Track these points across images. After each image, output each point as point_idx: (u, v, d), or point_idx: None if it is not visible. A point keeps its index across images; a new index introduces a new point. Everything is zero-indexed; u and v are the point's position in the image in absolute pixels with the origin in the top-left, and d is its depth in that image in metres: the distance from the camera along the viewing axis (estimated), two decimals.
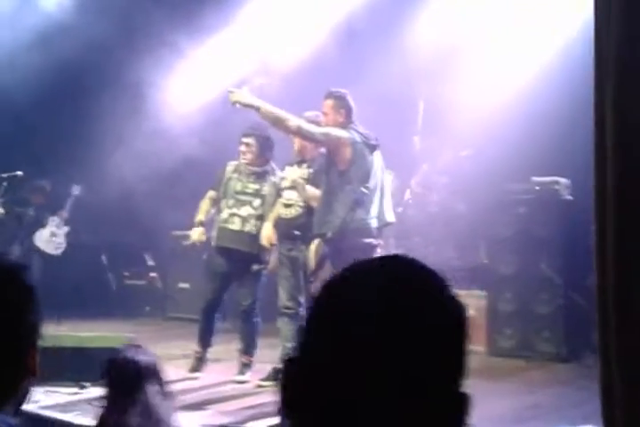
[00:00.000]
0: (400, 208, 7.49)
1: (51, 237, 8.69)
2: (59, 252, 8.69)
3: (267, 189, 5.64)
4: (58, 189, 8.77)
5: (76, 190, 8.64)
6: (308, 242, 5.09)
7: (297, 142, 5.34)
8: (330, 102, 5.00)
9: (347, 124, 4.98)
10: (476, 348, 6.24)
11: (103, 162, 7.91)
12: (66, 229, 8.78)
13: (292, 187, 5.32)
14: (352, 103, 5.05)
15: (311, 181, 5.25)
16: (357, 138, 4.92)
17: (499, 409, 4.56)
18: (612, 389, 2.88)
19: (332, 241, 4.86)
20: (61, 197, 8.77)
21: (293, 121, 4.81)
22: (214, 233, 5.72)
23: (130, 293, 8.90)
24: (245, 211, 5.60)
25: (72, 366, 5.03)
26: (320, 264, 4.87)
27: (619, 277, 2.85)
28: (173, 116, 7.76)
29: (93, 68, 8.34)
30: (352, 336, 0.85)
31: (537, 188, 6.24)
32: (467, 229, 7.16)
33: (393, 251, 7.34)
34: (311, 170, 5.33)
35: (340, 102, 5.01)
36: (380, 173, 5.05)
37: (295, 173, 5.38)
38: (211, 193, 5.83)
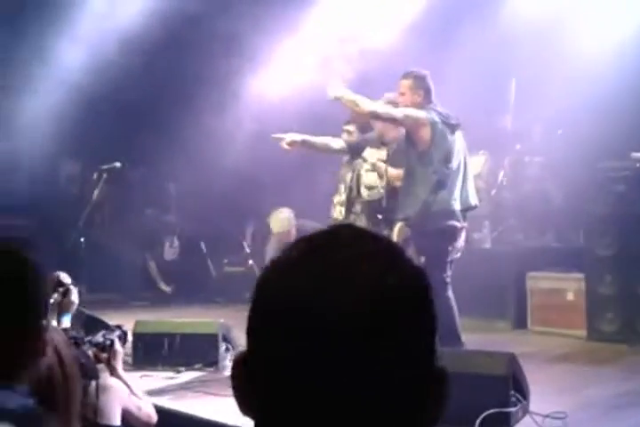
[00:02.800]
0: (494, 190, 7.31)
1: (170, 249, 9.30)
2: (175, 257, 9.31)
3: (349, 174, 5.65)
4: (156, 180, 9.08)
5: (172, 189, 8.98)
6: (391, 226, 5.02)
7: (377, 125, 5.28)
8: (407, 82, 4.90)
9: (425, 104, 4.87)
10: (576, 332, 6.03)
11: (202, 149, 8.04)
12: (177, 242, 9.27)
13: (373, 169, 5.27)
14: (431, 84, 4.92)
15: (390, 161, 5.16)
16: (436, 118, 4.79)
17: (596, 395, 4.36)
18: None
19: (414, 224, 4.76)
20: (159, 190, 9.08)
21: (371, 105, 4.77)
22: None
23: (230, 279, 9.05)
24: (336, 199, 5.72)
25: (168, 351, 5.14)
26: (403, 248, 4.76)
27: None
28: (270, 101, 7.80)
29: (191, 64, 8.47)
30: (310, 336, 0.73)
31: (638, 164, 5.90)
32: (563, 210, 6.88)
33: (488, 235, 7.15)
34: (389, 150, 5.24)
35: (419, 82, 4.89)
36: (463, 154, 4.90)
37: (374, 155, 5.32)
38: None
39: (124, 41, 7.77)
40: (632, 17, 6.57)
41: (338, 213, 5.63)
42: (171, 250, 9.35)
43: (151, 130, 8.85)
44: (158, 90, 8.51)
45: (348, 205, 5.57)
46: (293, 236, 6.29)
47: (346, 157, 5.77)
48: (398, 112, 4.78)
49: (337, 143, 5.54)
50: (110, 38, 7.74)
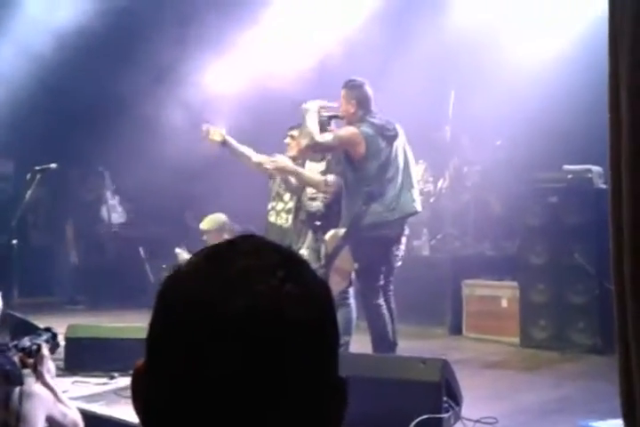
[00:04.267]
0: (433, 198, 7.41)
1: (112, 211, 9.04)
2: (123, 220, 9.10)
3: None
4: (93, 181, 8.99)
5: (107, 176, 8.87)
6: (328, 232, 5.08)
7: None
8: (343, 92, 4.96)
9: (360, 115, 4.90)
10: (510, 339, 6.16)
11: (136, 154, 7.94)
12: (117, 197, 9.07)
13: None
14: (369, 93, 4.94)
15: (325, 171, 5.23)
16: (370, 131, 4.83)
17: (527, 401, 4.46)
18: (631, 377, 2.79)
19: (348, 236, 4.83)
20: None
21: (304, 140, 4.90)
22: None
23: None
24: (280, 206, 5.74)
25: (102, 356, 5.05)
26: (334, 254, 4.84)
27: (635, 264, 2.74)
28: (212, 103, 7.75)
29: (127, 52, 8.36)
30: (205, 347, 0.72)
31: (569, 176, 6.07)
32: (499, 219, 7.02)
33: (426, 242, 7.25)
34: (328, 162, 5.29)
35: (352, 92, 4.92)
36: (402, 162, 4.95)
37: (315, 168, 5.36)
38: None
39: (60, 35, 7.64)
40: (570, 30, 6.74)
41: (283, 220, 5.64)
42: (117, 213, 9.14)
43: (88, 128, 8.71)
44: (96, 86, 8.37)
45: (296, 213, 5.59)
46: (223, 238, 6.36)
47: None
48: (330, 139, 4.85)
49: (257, 158, 5.56)
50: (45, 32, 7.60)
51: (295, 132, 5.58)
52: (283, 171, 5.26)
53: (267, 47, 7.47)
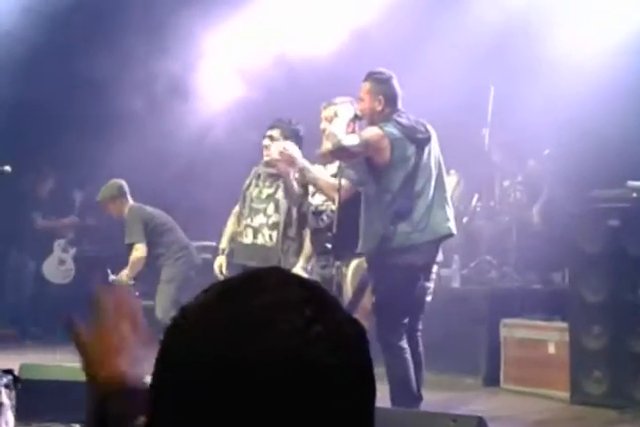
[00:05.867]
0: (466, 218, 7.37)
1: (59, 266, 9.07)
2: (67, 280, 9.10)
3: (280, 191, 5.62)
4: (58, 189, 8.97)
5: (78, 196, 8.89)
6: (343, 258, 5.02)
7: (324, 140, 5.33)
8: (366, 86, 4.89)
9: (387, 113, 4.85)
10: (558, 393, 6.13)
11: (105, 163, 7.97)
12: (73, 251, 9.07)
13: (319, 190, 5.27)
14: (397, 88, 4.91)
15: (336, 175, 5.18)
16: (396, 132, 4.78)
17: None
18: None
19: (371, 262, 4.79)
20: (63, 200, 8.93)
21: (328, 143, 4.86)
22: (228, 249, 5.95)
23: (143, 315, 8.89)
24: (258, 221, 5.71)
25: (62, 403, 5.00)
26: (359, 292, 4.79)
27: None
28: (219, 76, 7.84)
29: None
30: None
31: (634, 195, 6.03)
32: (546, 245, 6.98)
33: (457, 272, 7.19)
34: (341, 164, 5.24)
35: (379, 87, 4.87)
36: (435, 172, 4.91)
37: (324, 172, 5.32)
38: (235, 209, 6.03)
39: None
40: (634, 22, 6.74)
41: (267, 238, 5.61)
42: (61, 271, 9.10)
43: (54, 127, 8.71)
44: (64, 68, 8.38)
45: (286, 229, 5.55)
46: (119, 208, 6.99)
47: (268, 169, 5.71)
48: (357, 143, 4.78)
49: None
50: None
51: (275, 132, 5.57)
52: (289, 162, 5.15)
53: (289, 21, 7.61)
